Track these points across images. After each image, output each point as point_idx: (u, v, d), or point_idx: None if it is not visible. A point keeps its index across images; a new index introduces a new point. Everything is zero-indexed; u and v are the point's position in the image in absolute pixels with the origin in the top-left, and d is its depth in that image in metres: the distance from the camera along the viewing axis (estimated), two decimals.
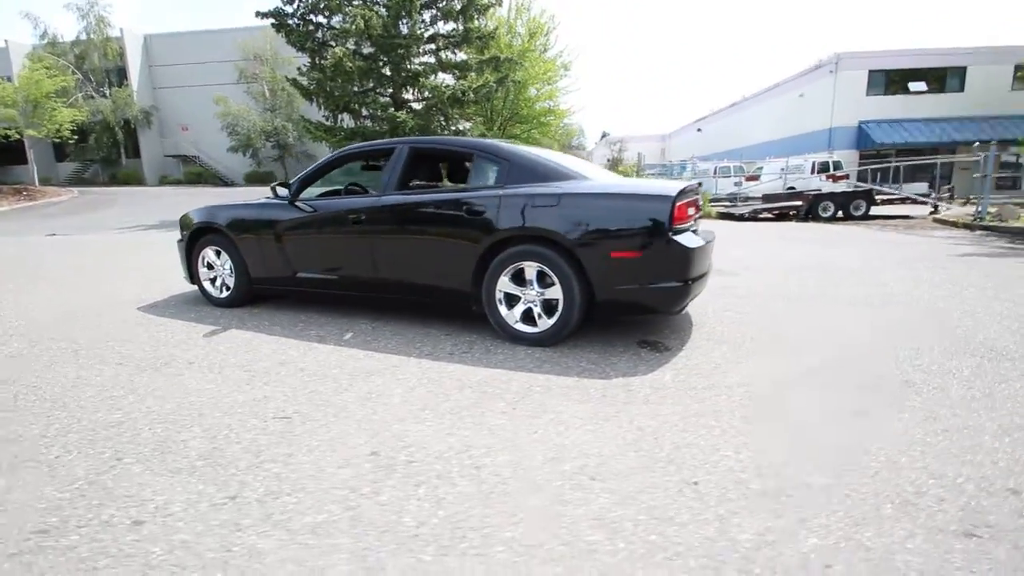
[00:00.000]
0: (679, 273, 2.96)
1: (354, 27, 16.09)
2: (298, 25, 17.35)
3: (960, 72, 23.91)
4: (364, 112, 18.20)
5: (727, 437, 2.10)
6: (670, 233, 2.90)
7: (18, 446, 2.11)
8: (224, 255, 4.29)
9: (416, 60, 18.14)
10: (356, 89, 17.14)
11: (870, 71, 24.27)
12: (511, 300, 3.30)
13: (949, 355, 3.03)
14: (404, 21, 17.46)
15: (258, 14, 17.34)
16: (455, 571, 1.40)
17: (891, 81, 24.42)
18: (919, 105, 24.12)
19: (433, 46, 18.02)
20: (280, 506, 1.68)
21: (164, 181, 31.45)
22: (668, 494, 1.72)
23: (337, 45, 17.42)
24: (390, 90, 18.20)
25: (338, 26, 17.00)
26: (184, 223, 4.55)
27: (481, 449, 2.02)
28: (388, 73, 17.88)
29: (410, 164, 3.67)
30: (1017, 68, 22.68)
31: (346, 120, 18.87)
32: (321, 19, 17.71)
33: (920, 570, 1.37)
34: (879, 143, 23.79)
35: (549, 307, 3.21)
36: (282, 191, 4.02)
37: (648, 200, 2.97)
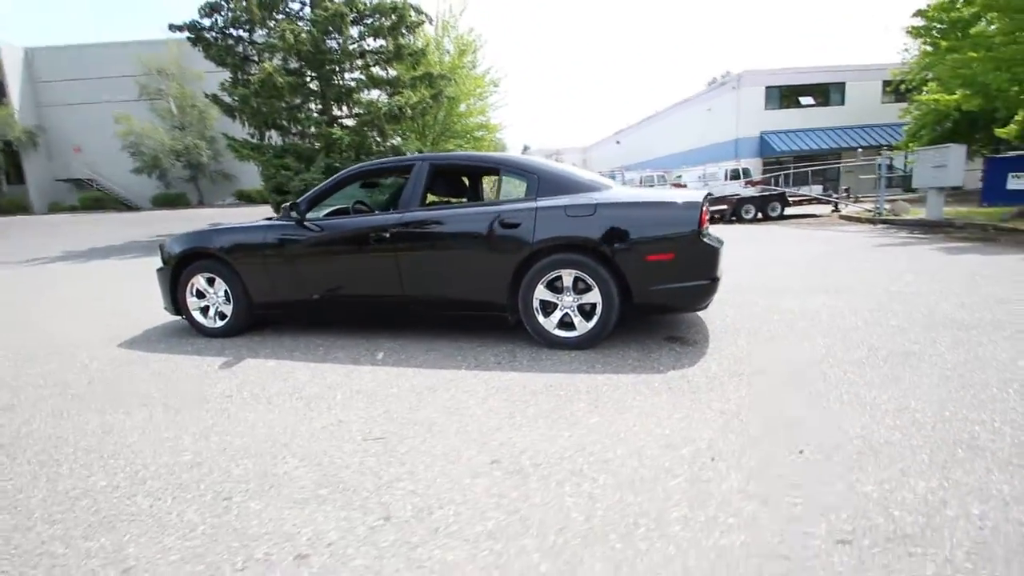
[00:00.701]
0: (708, 271, 3.22)
1: (282, 42, 15.52)
2: (216, 39, 16.45)
3: (841, 87, 27.20)
4: (294, 129, 17.58)
5: (801, 409, 2.34)
6: (700, 235, 3.16)
7: (92, 500, 1.91)
8: (219, 282, 4.03)
9: (347, 76, 17.83)
10: (285, 105, 16.47)
11: (767, 87, 26.95)
12: (546, 308, 3.41)
13: (927, 329, 3.53)
14: (333, 36, 17.12)
15: (172, 27, 16.26)
16: (650, 551, 1.49)
17: (784, 96, 27.26)
18: (810, 117, 27.10)
19: (363, 62, 17.81)
20: (441, 520, 1.68)
21: (56, 208, 28.16)
22: (786, 463, 1.92)
23: (261, 60, 16.74)
24: (319, 106, 17.70)
25: (262, 40, 16.31)
26: (166, 250, 4.21)
27: (596, 446, 2.12)
28: (317, 88, 17.42)
29: (430, 180, 3.69)
30: (885, 83, 26.14)
31: (274, 137, 18.07)
32: (242, 33, 16.94)
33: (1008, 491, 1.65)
34: (779, 151, 26.39)
35: (584, 312, 3.36)
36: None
37: (679, 207, 3.21)
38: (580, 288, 3.34)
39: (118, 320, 5.00)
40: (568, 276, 3.31)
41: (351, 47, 17.28)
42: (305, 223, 3.81)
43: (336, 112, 18.22)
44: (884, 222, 12.09)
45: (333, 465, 2.06)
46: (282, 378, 3.13)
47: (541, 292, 3.37)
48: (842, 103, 27.53)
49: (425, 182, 3.66)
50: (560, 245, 3.29)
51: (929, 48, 12.75)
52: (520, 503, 1.75)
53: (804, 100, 27.49)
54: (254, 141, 17.25)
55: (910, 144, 21.59)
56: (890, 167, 25.62)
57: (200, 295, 4.14)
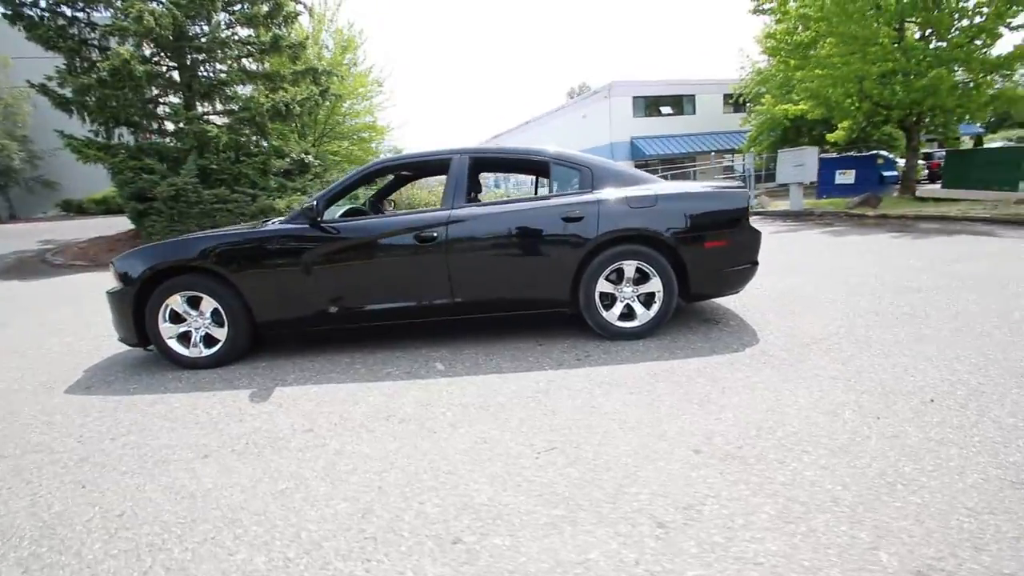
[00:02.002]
0: (753, 255, 3.47)
1: (136, 24, 13.27)
2: (44, 18, 13.54)
3: (692, 99, 30.85)
4: (152, 125, 15.13)
5: (886, 368, 2.64)
6: (749, 220, 3.39)
7: (266, 556, 1.48)
8: (208, 300, 3.32)
9: (217, 67, 15.81)
10: (144, 98, 14.13)
11: (634, 97, 29.58)
12: (604, 300, 3.39)
13: (897, 294, 4.18)
14: (200, 22, 15.09)
15: None
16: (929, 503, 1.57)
17: (649, 105, 30.18)
18: (671, 124, 30.31)
19: (235, 52, 15.94)
20: (721, 515, 1.59)
21: None
22: (925, 416, 2.15)
23: (105, 45, 14.16)
24: (180, 100, 15.46)
25: (110, 22, 13.79)
26: (123, 268, 3.37)
27: (769, 422, 2.16)
28: (179, 80, 15.21)
29: (471, 176, 3.44)
30: (726, 96, 30.23)
31: (125, 135, 15.36)
32: (78, 13, 14.12)
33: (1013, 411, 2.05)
34: (647, 155, 29.13)
35: (641, 302, 3.41)
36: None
37: (731, 194, 3.41)
38: (637, 279, 3.38)
39: (24, 361, 3.87)
40: (630, 267, 3.33)
41: (222, 35, 15.36)
42: (323, 225, 3.31)
43: (201, 108, 16.09)
44: (756, 214, 13.99)
45: (534, 485, 1.84)
46: (352, 402, 2.69)
47: (602, 285, 3.34)
48: (694, 112, 31.24)
49: (468, 177, 3.40)
50: (622, 237, 3.29)
51: (780, 65, 15.07)
52: (768, 484, 1.73)
53: (664, 109, 30.70)
54: (100, 140, 14.50)
55: (751, 148, 25.29)
56: (731, 168, 29.98)
57: (177, 319, 3.38)
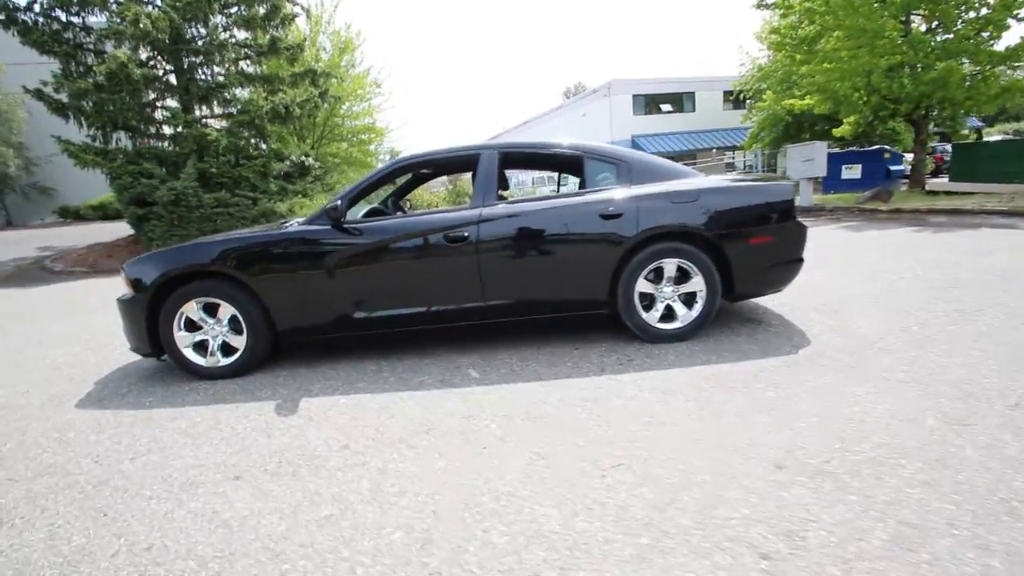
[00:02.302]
0: (799, 250, 3.30)
1: (132, 27, 13.09)
2: (39, 23, 13.32)
3: (692, 97, 30.74)
4: (149, 130, 14.91)
5: (954, 369, 2.47)
6: (795, 215, 3.22)
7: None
8: (226, 307, 3.14)
9: (216, 70, 15.61)
10: (142, 102, 13.93)
11: (634, 95, 29.46)
12: (643, 300, 3.22)
13: (940, 290, 4.01)
14: (196, 24, 14.90)
15: None
16: None
17: (649, 103, 30.06)
18: (671, 122, 30.19)
19: (233, 55, 15.73)
20: (828, 543, 1.42)
21: None
22: (1016, 421, 1.98)
23: (101, 48, 13.99)
24: (178, 104, 15.25)
25: (106, 26, 13.58)
26: (135, 274, 3.18)
27: (855, 433, 1.99)
28: (176, 83, 15.00)
29: (500, 172, 3.26)
30: (726, 93, 30.13)
31: (123, 140, 15.14)
32: (72, 17, 13.89)
33: None
34: (649, 152, 29.04)
35: (683, 302, 3.24)
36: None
37: (777, 188, 3.24)
38: (678, 278, 3.21)
39: (30, 373, 3.68)
40: (671, 265, 3.16)
41: (220, 37, 15.16)
42: (347, 226, 3.13)
43: (199, 111, 15.90)
44: None
45: (607, 509, 1.66)
46: (387, 414, 2.51)
47: (642, 284, 3.17)
48: (693, 110, 31.12)
49: (498, 173, 3.23)
50: (663, 234, 3.12)
51: (785, 60, 14.93)
52: (885, 505, 1.56)
53: (664, 107, 30.58)
54: (98, 145, 14.28)
55: (753, 144, 25.17)
56: (732, 165, 29.85)
57: (192, 326, 3.20)
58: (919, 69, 12.22)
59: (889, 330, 3.17)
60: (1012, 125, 33.83)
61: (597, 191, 3.21)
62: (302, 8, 17.52)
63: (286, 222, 3.55)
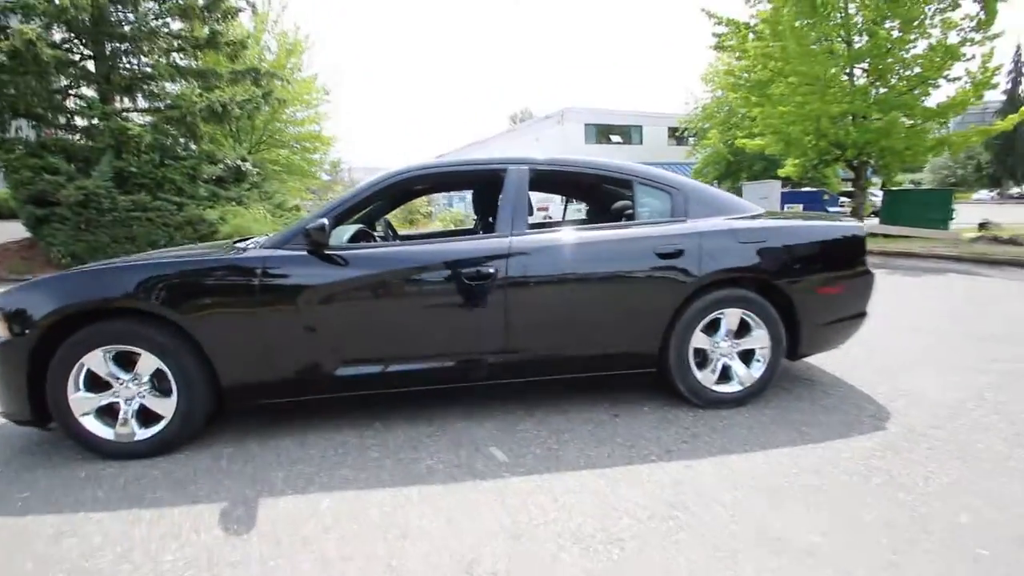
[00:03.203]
0: (865, 303, 2.88)
1: (46, 3, 11.44)
2: None
3: (639, 130, 31.71)
4: (57, 119, 13.02)
5: None
6: (866, 264, 2.80)
7: None
8: (148, 358, 2.24)
9: (142, 59, 13.97)
10: (51, 88, 12.15)
11: (586, 124, 29.96)
12: (696, 357, 2.66)
13: (979, 341, 3.75)
14: (124, 8, 13.32)
15: None
16: None
17: (600, 133, 30.67)
18: (619, 153, 30.87)
19: (164, 44, 14.18)
20: None
21: None
22: None
23: (3, 23, 12.12)
24: (95, 93, 13.49)
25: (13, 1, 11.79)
26: (16, 307, 2.22)
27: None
28: (95, 70, 13.28)
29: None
30: (670, 129, 31.28)
31: (24, 129, 13.12)
32: None
33: None
34: None
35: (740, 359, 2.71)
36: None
37: (848, 230, 2.81)
38: (737, 331, 2.68)
39: None
40: (732, 317, 2.62)
41: (151, 23, 13.63)
42: (331, 254, 2.34)
43: (121, 104, 14.17)
44: None
45: None
46: (399, 534, 1.74)
47: (698, 338, 2.61)
48: (641, 142, 32.11)
49: (528, 195, 2.58)
50: (727, 279, 2.59)
51: (741, 101, 15.47)
52: None
53: (614, 138, 31.34)
54: None
55: (697, 179, 26.17)
56: None
57: (97, 385, 2.26)
58: (863, 119, 12.94)
59: (964, 396, 2.77)
60: (913, 175, 37.57)
61: (651, 223, 2.62)
62: (248, 3, 16.26)
63: (242, 241, 2.70)
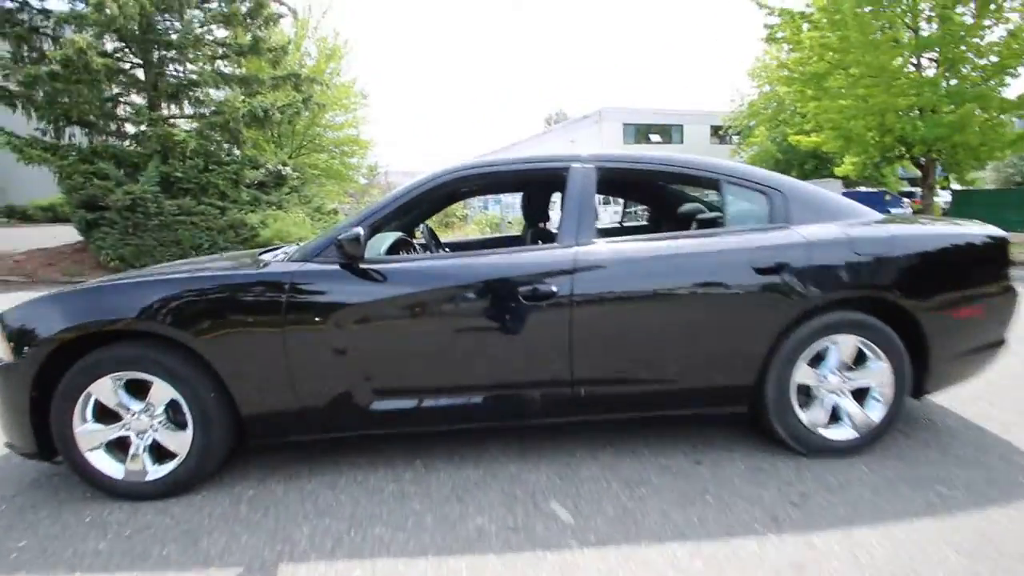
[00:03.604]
0: (1004, 327, 2.34)
1: (98, 13, 11.75)
2: None
3: (680, 128, 30.74)
4: (109, 127, 13.43)
5: None
6: (1010, 279, 2.27)
7: None
8: (161, 387, 1.96)
9: (189, 67, 14.28)
10: (102, 96, 12.51)
11: (624, 124, 29.25)
12: (801, 395, 2.19)
13: None
14: (171, 16, 13.64)
15: None
16: None
17: (638, 133, 29.89)
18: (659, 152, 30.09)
19: (209, 52, 14.45)
20: None
21: None
22: None
23: (58, 34, 12.57)
24: (144, 100, 13.85)
25: (66, 11, 12.20)
26: (18, 328, 1.98)
27: None
28: (144, 79, 13.64)
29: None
30: (713, 128, 30.18)
31: (77, 135, 13.58)
32: None
33: None
34: None
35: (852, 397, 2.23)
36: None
37: (987, 237, 2.30)
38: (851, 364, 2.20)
39: None
40: (846, 346, 2.15)
41: (196, 31, 13.90)
42: (367, 268, 2.00)
43: (167, 110, 14.51)
44: None
45: None
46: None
47: (802, 372, 2.15)
48: (682, 142, 31.14)
49: (595, 198, 2.18)
50: (840, 299, 2.12)
51: (796, 95, 14.54)
52: None
53: (653, 138, 30.50)
54: (47, 140, 12.70)
55: None
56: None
57: (107, 416, 2.00)
58: (931, 112, 11.91)
59: None
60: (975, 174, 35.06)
61: (745, 231, 2.18)
62: (289, 9, 16.46)
63: (268, 252, 2.40)
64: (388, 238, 2.36)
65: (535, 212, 3.15)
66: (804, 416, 2.17)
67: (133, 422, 2.00)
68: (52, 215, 23.49)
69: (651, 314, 2.06)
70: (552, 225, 3.39)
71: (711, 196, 4.84)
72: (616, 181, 2.80)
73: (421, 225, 3.18)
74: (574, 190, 2.15)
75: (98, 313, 1.98)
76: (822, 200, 2.26)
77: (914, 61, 12.45)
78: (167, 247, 11.70)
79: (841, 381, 2.20)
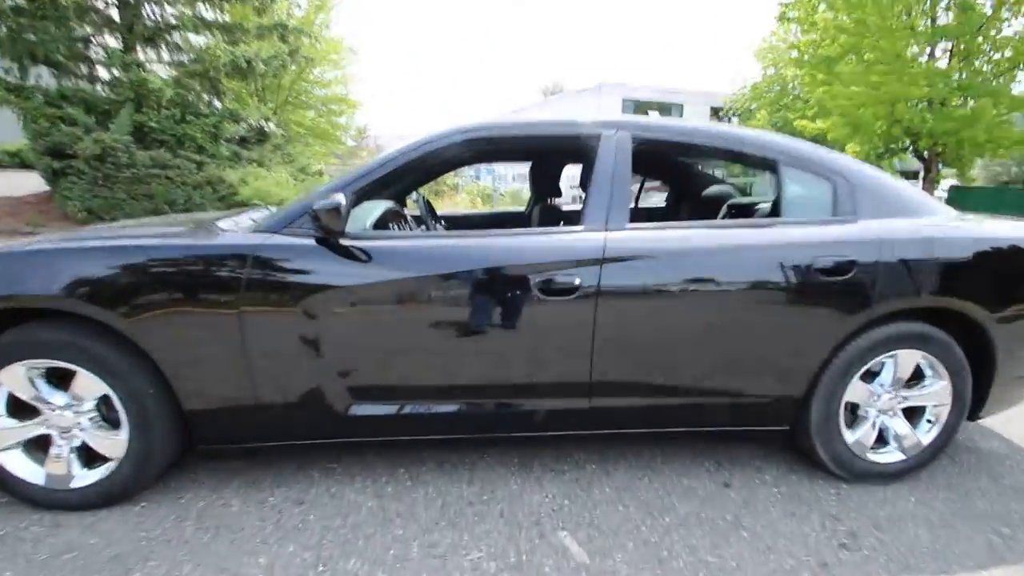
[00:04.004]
0: None
1: None
2: None
3: (680, 108, 30.11)
4: (79, 69, 12.50)
5: None
6: None
7: None
8: (86, 378, 1.59)
9: (169, 9, 13.28)
10: (71, 35, 11.59)
11: (623, 99, 28.53)
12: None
13: None
14: None
15: None
16: None
17: (637, 109, 29.18)
18: None
19: None
20: None
21: None
22: None
23: None
24: (119, 43, 12.91)
25: None
26: None
27: None
28: (118, 19, 12.68)
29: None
30: (713, 109, 29.60)
31: (44, 77, 12.63)
32: None
33: None
34: None
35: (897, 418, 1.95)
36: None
37: None
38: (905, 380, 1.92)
39: None
40: (907, 361, 1.85)
41: None
42: (349, 246, 1.63)
43: (144, 55, 13.56)
44: None
45: None
46: None
47: (855, 388, 1.85)
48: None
49: (631, 174, 1.81)
50: (910, 309, 1.81)
51: (806, 78, 14.07)
52: None
53: (652, 114, 29.88)
54: (11, 79, 11.77)
55: None
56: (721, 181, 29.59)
57: (22, 410, 1.63)
58: (940, 105, 11.62)
59: None
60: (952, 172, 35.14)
61: (807, 223, 1.83)
62: None
63: (230, 219, 1.99)
64: (376, 208, 1.97)
65: (546, 186, 2.77)
66: (849, 437, 1.89)
67: (54, 418, 1.63)
68: (20, 161, 22.25)
69: (693, 316, 1.73)
70: (563, 202, 3.04)
71: (737, 177, 4.51)
72: (652, 155, 2.41)
73: (415, 194, 2.79)
74: (605, 163, 1.78)
75: (21, 284, 1.58)
76: (892, 190, 1.92)
77: (928, 51, 12.08)
78: (139, 201, 11.05)
79: (893, 399, 1.91)
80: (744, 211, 2.39)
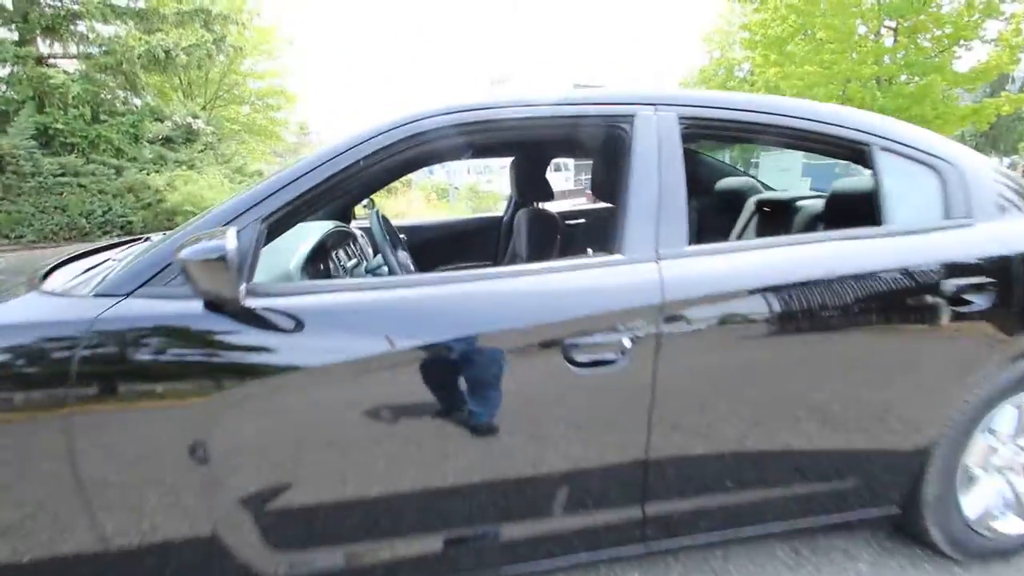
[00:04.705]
0: None
1: None
2: None
3: None
4: None
5: None
6: None
7: None
8: None
9: None
10: None
11: (575, 85, 28.28)
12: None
13: None
14: None
15: None
16: None
17: None
18: None
19: None
20: None
21: None
22: None
23: None
24: (14, 35, 11.38)
25: None
26: None
27: None
28: (10, 7, 11.16)
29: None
30: None
31: None
32: None
33: None
34: None
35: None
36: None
37: None
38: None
39: None
40: None
41: None
42: (259, 307, 1.00)
43: (44, 48, 12.01)
44: None
45: None
46: None
47: (976, 445, 1.39)
48: None
49: (684, 170, 1.24)
50: None
51: (759, 60, 13.98)
52: None
53: None
54: None
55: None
56: None
57: None
58: (888, 82, 11.76)
59: None
60: None
61: (916, 232, 1.33)
62: None
63: (63, 266, 1.27)
64: (309, 234, 1.34)
65: (532, 184, 2.18)
66: (967, 508, 1.43)
67: None
68: None
69: (799, 376, 1.21)
70: (552, 205, 2.45)
71: (755, 166, 4.04)
72: (714, 138, 1.79)
73: (367, 200, 2.11)
74: (645, 157, 1.21)
75: None
76: (1008, 181, 1.46)
77: (877, 31, 12.19)
78: (49, 214, 9.75)
79: (1016, 454, 1.47)
80: (781, 211, 1.91)
